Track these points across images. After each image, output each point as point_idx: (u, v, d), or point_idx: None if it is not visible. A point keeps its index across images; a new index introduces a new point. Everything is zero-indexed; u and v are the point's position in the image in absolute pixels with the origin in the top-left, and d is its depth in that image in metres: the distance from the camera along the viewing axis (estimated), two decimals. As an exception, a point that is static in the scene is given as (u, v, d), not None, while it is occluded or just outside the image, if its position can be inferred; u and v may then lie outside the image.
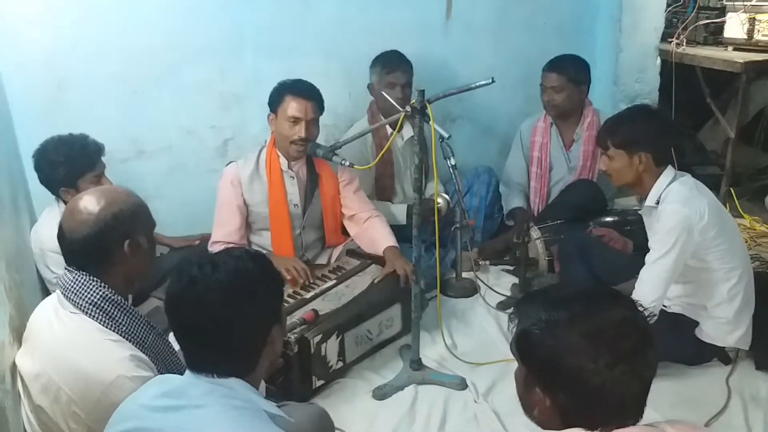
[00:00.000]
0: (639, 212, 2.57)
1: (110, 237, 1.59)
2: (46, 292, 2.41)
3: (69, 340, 1.54)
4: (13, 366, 1.66)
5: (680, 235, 2.23)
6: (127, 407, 1.33)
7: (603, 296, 1.22)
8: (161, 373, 1.53)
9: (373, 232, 2.79)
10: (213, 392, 1.26)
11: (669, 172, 2.36)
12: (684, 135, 4.18)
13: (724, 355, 2.48)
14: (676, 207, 2.27)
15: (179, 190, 3.09)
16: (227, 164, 2.80)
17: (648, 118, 2.42)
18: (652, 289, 2.26)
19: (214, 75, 3.08)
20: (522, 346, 1.20)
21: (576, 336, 1.12)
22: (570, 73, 3.15)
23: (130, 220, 1.62)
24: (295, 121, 2.57)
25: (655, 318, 2.25)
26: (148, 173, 3.05)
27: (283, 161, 2.70)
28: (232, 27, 3.05)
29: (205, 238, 2.80)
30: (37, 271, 2.45)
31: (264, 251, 2.74)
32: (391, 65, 3.04)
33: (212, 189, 2.79)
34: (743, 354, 2.49)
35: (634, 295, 2.22)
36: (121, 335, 1.55)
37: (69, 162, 2.38)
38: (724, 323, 2.38)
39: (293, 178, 2.72)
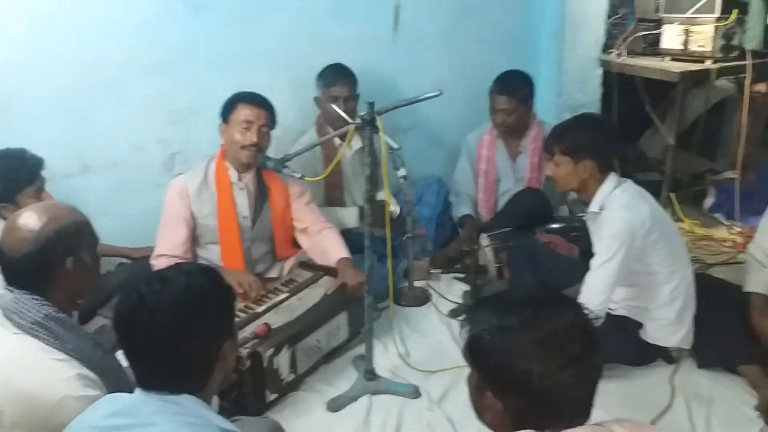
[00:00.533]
0: (583, 218, 2.64)
1: (53, 254, 1.55)
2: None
3: (11, 361, 1.50)
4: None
5: (624, 240, 2.31)
6: (76, 428, 1.31)
7: (551, 302, 1.26)
8: (110, 392, 1.50)
9: (326, 244, 2.79)
10: (164, 410, 1.25)
11: (612, 179, 2.43)
12: (626, 143, 4.31)
13: (667, 355, 2.56)
14: (620, 213, 2.34)
15: (126, 207, 3.04)
16: (174, 177, 2.77)
17: (593, 127, 2.50)
18: (597, 293, 2.32)
19: (162, 89, 3.05)
20: (473, 351, 1.22)
21: (526, 341, 1.15)
22: (520, 95, 3.24)
23: (73, 236, 1.59)
24: (248, 126, 2.57)
25: (602, 321, 2.31)
26: (94, 190, 2.98)
27: (233, 173, 2.69)
28: (179, 42, 3.02)
29: None
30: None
31: (213, 266, 2.71)
32: (333, 78, 3.08)
33: (160, 204, 2.75)
34: (685, 353, 2.57)
35: (581, 300, 2.27)
36: (67, 354, 1.51)
37: (6, 176, 2.32)
38: (666, 324, 2.46)
39: (243, 190, 2.71)
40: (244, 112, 2.59)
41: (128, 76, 2.97)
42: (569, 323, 1.18)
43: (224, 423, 1.31)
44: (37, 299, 1.54)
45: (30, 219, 1.57)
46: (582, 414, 1.18)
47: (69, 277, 1.58)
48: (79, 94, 2.90)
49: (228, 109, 2.63)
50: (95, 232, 1.69)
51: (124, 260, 2.87)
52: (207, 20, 3.05)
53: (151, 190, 3.02)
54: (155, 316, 1.26)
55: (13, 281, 1.57)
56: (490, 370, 1.20)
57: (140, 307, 1.27)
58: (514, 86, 3.24)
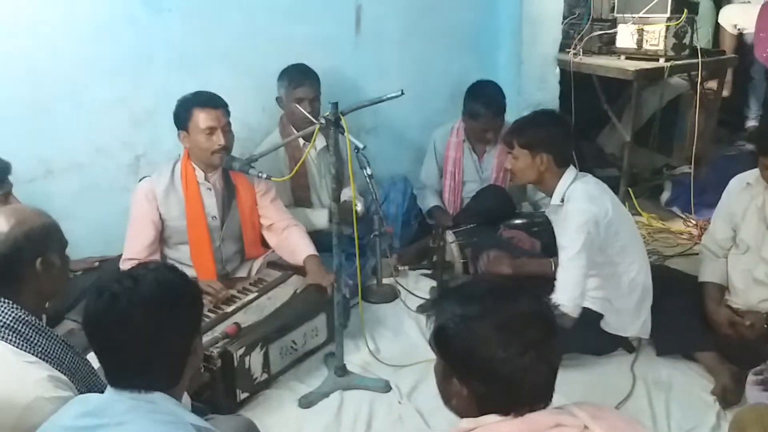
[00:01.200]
0: (546, 212, 2.71)
1: (21, 256, 1.56)
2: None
3: None
4: None
5: (589, 232, 2.37)
6: (47, 429, 1.31)
7: (511, 290, 1.31)
8: (81, 393, 1.51)
9: (293, 242, 2.81)
10: (136, 408, 1.26)
11: (571, 172, 2.50)
12: (584, 140, 4.41)
13: (627, 344, 2.64)
14: (584, 205, 2.40)
15: (91, 210, 3.01)
16: (140, 180, 2.76)
17: (550, 122, 2.57)
18: (571, 287, 2.36)
19: (124, 91, 3.02)
20: (439, 339, 1.26)
21: (488, 328, 1.20)
22: (501, 110, 3.31)
23: (42, 238, 1.59)
24: (211, 131, 2.56)
25: (579, 312, 2.37)
26: (58, 193, 2.94)
27: (200, 173, 2.69)
28: (141, 43, 3.01)
29: (105, 260, 2.78)
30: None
31: (182, 266, 2.71)
32: (298, 80, 3.09)
33: (126, 207, 2.75)
34: (645, 342, 2.65)
35: (556, 295, 2.34)
36: (37, 356, 1.51)
37: None
38: (626, 314, 2.54)
39: (210, 190, 2.71)
40: (203, 118, 2.56)
41: (89, 78, 2.94)
42: (528, 310, 1.23)
43: (197, 420, 1.33)
44: (5, 302, 1.53)
45: None
46: (543, 398, 1.23)
47: (37, 279, 1.58)
48: (39, 97, 2.86)
49: (183, 116, 2.59)
50: (63, 234, 1.69)
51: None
52: (167, 22, 3.04)
53: (117, 194, 3.00)
54: (129, 313, 1.27)
55: None
56: (455, 357, 1.24)
57: (113, 306, 1.28)
58: (497, 103, 3.29)
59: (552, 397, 1.25)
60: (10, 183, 2.40)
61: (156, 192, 2.65)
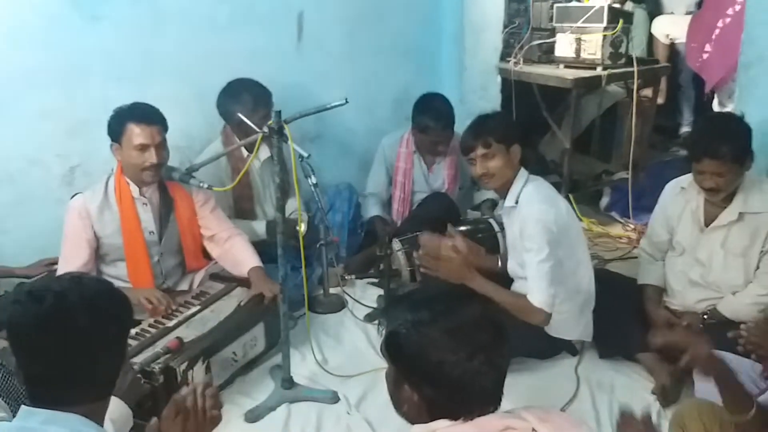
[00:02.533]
0: (499, 213, 2.72)
1: None
2: None
3: None
4: None
5: (552, 233, 2.40)
6: None
7: (460, 296, 1.34)
8: (14, 414, 1.44)
9: (236, 253, 2.76)
10: None
11: (523, 172, 2.53)
12: (525, 147, 4.47)
13: (571, 348, 2.68)
14: (544, 206, 2.43)
15: (25, 223, 2.90)
16: (72, 196, 2.66)
17: (506, 115, 2.59)
18: (546, 287, 2.40)
19: (59, 102, 2.93)
20: (390, 345, 1.28)
21: (438, 332, 1.21)
22: (452, 124, 3.32)
23: None
24: (143, 148, 2.49)
25: (550, 315, 2.42)
26: (-12, 205, 2.84)
27: (134, 188, 2.61)
28: (76, 53, 2.92)
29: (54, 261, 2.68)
30: None
31: (119, 282, 2.63)
32: (264, 100, 3.02)
33: (60, 219, 2.65)
34: (588, 345, 2.70)
35: (531, 300, 2.39)
36: None
37: None
38: (569, 317, 2.58)
39: (146, 204, 2.64)
40: (136, 134, 2.48)
41: (21, 88, 2.84)
42: (477, 315, 1.26)
43: None
44: None
45: None
46: (492, 402, 1.25)
47: None
48: (-33, 107, 2.76)
49: (117, 129, 2.52)
50: None
51: (24, 280, 2.73)
52: (103, 31, 2.97)
53: (51, 206, 2.90)
54: (75, 314, 1.22)
55: None
56: (406, 362, 1.25)
57: (59, 306, 1.22)
58: (447, 116, 3.30)
59: (501, 401, 1.27)
60: None
61: (89, 209, 2.57)
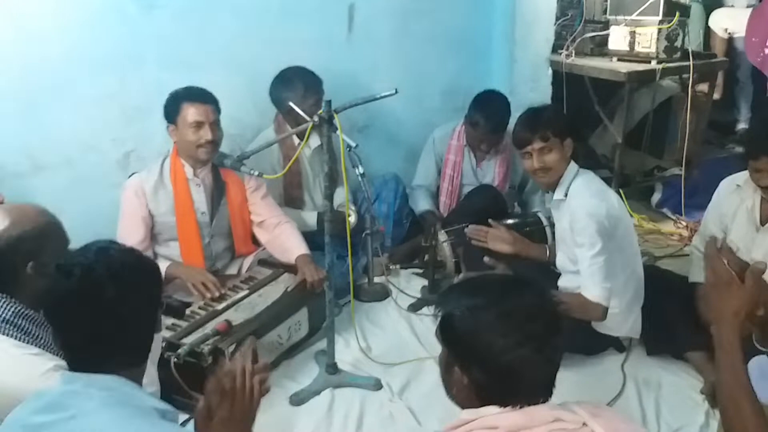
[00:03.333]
0: (548, 206, 2.69)
1: (12, 259, 1.55)
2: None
3: None
4: None
5: (604, 227, 2.37)
6: (4, 427, 1.29)
7: (517, 284, 1.34)
8: None
9: (284, 240, 2.80)
10: (90, 397, 1.24)
11: (573, 165, 2.50)
12: (575, 140, 4.42)
13: (618, 344, 2.65)
14: (595, 200, 2.40)
15: (81, 206, 2.97)
16: (129, 176, 2.75)
17: (558, 107, 2.57)
18: (601, 281, 2.38)
19: (114, 87, 3.00)
20: (444, 328, 1.30)
21: (490, 316, 1.23)
22: (504, 126, 3.27)
23: (36, 241, 1.57)
24: (198, 125, 2.56)
25: (607, 308, 2.41)
26: (47, 189, 2.91)
27: (188, 169, 2.68)
28: (132, 40, 2.98)
29: None
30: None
31: (173, 262, 2.71)
32: (315, 87, 3.05)
33: (115, 203, 2.73)
34: (635, 342, 2.66)
35: (587, 295, 2.39)
36: (40, 348, 1.52)
37: None
38: (617, 314, 2.53)
39: (199, 185, 2.70)
40: (191, 112, 2.56)
41: (79, 74, 2.92)
42: (532, 303, 1.26)
43: (158, 403, 1.32)
44: (4, 297, 1.53)
45: None
46: (542, 393, 1.25)
47: (32, 280, 1.57)
48: (27, 92, 2.83)
49: (172, 110, 2.60)
50: (65, 234, 1.68)
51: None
52: (158, 18, 3.02)
53: (106, 189, 2.97)
54: (103, 285, 1.25)
55: None
56: (457, 344, 1.27)
57: (87, 278, 1.26)
58: (499, 119, 3.26)
59: (551, 393, 1.27)
60: None
61: (145, 188, 2.65)
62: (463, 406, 1.29)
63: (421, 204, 3.50)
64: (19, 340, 1.52)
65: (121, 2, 2.94)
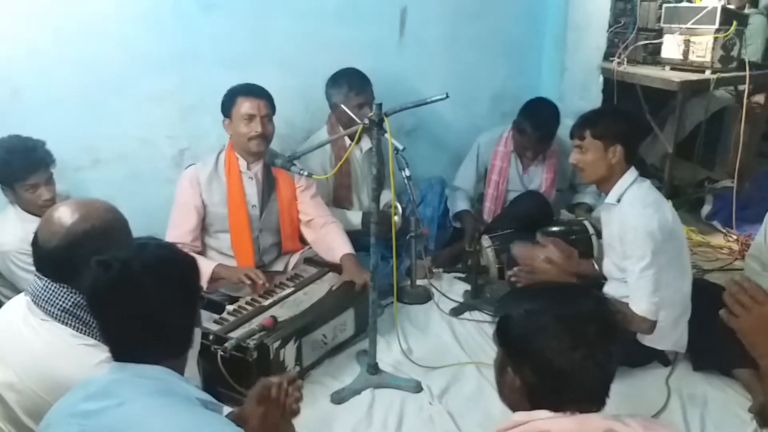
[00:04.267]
0: (599, 208, 2.68)
1: (78, 253, 1.55)
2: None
3: (44, 348, 1.54)
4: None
5: (656, 240, 2.34)
6: (53, 416, 1.32)
7: (576, 290, 1.38)
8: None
9: (330, 240, 2.85)
10: (137, 386, 1.27)
11: (632, 172, 2.46)
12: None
13: (663, 358, 2.61)
14: (648, 211, 2.37)
15: (135, 199, 3.01)
16: (186, 168, 2.84)
17: (626, 114, 2.55)
18: (649, 295, 2.36)
19: (170, 86, 3.08)
20: (500, 329, 1.32)
21: (546, 319, 1.25)
22: (552, 134, 3.29)
23: (102, 237, 1.58)
24: (250, 118, 2.66)
25: (655, 322, 2.38)
26: (103, 182, 3.01)
27: (242, 162, 2.76)
28: (189, 40, 3.06)
29: None
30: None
31: (219, 255, 2.78)
32: (360, 87, 3.09)
33: (168, 198, 2.81)
34: (681, 356, 2.62)
35: (634, 308, 2.37)
36: (96, 339, 1.55)
37: (6, 162, 2.38)
38: (664, 327, 2.49)
39: (252, 179, 2.77)
40: (244, 106, 2.66)
41: (137, 72, 2.99)
42: (588, 310, 1.28)
43: (201, 394, 1.35)
44: (65, 287, 1.57)
45: (64, 214, 1.59)
46: (595, 402, 1.26)
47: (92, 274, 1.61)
48: (89, 88, 2.92)
49: (228, 104, 2.70)
50: (129, 231, 1.70)
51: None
52: (215, 19, 3.08)
53: (160, 185, 3.06)
54: (141, 280, 1.29)
55: (41, 270, 1.61)
56: (511, 345, 1.30)
57: (125, 273, 1.30)
58: (547, 129, 3.26)
59: (605, 402, 1.27)
60: (48, 173, 2.46)
61: (200, 178, 2.74)
62: (515, 409, 1.31)
63: (459, 204, 3.51)
64: (77, 330, 1.56)
65: (180, 1, 3.01)
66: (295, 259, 2.93)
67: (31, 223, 2.12)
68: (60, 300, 1.56)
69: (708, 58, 3.63)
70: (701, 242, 3.79)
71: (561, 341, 1.21)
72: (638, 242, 2.35)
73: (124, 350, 1.33)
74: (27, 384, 1.53)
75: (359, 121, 2.36)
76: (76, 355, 1.53)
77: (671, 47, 3.80)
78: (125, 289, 1.30)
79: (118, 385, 1.28)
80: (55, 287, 1.57)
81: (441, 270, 3.37)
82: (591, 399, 1.25)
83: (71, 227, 1.57)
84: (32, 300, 1.59)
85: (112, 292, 1.31)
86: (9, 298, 1.89)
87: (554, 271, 2.55)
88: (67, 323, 1.56)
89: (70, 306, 1.56)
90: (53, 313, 1.56)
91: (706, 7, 3.62)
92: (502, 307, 1.37)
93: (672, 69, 3.82)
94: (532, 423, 1.23)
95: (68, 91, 2.88)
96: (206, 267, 2.61)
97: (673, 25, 3.79)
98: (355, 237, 2.95)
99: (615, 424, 1.21)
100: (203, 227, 2.80)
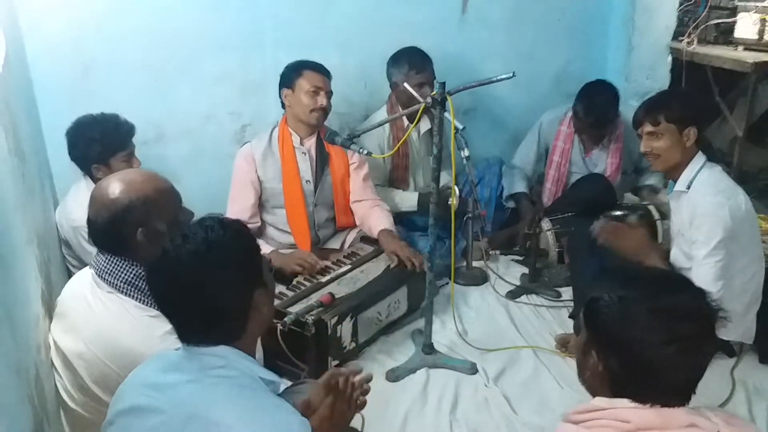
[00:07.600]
0: (668, 196, 2.59)
1: (124, 224, 1.60)
2: (68, 270, 2.48)
3: (109, 319, 1.60)
4: (47, 339, 1.72)
5: (726, 227, 2.26)
6: (126, 386, 1.36)
7: (676, 283, 1.29)
8: None
9: (373, 219, 2.87)
10: (206, 365, 1.29)
11: (700, 157, 2.39)
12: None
13: (728, 348, 2.53)
14: (719, 198, 2.29)
15: (198, 174, 3.15)
16: (242, 145, 2.88)
17: (695, 95, 2.44)
18: (710, 284, 2.25)
19: (234, 65, 3.13)
20: (590, 311, 1.27)
21: (641, 310, 1.19)
22: (610, 120, 3.21)
23: (146, 207, 1.61)
24: (316, 91, 2.69)
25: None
26: (168, 156, 3.09)
27: (296, 138, 2.80)
28: (253, 20, 3.10)
29: None
30: (60, 248, 2.51)
31: (278, 230, 2.83)
32: (420, 65, 3.07)
33: (230, 173, 2.86)
34: (747, 347, 2.54)
35: None
36: (157, 310, 1.59)
37: (103, 140, 2.41)
38: (732, 317, 2.41)
39: (305, 154, 2.81)
40: (311, 79, 2.70)
41: (202, 50, 3.06)
42: (688, 305, 1.20)
43: (267, 374, 1.36)
44: (126, 260, 1.62)
45: (110, 187, 1.63)
46: (681, 396, 1.20)
47: (143, 246, 1.61)
48: (156, 65, 2.99)
49: (292, 76, 2.73)
50: (174, 200, 1.70)
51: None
52: (278, 1, 3.11)
53: (222, 160, 3.11)
54: (177, 269, 1.29)
55: (98, 244, 1.66)
56: (599, 330, 1.24)
57: (164, 262, 1.31)
58: (602, 114, 3.18)
59: (690, 398, 1.22)
60: (134, 144, 2.52)
61: (255, 155, 2.78)
62: (594, 393, 1.27)
63: (516, 185, 3.45)
64: (140, 301, 1.60)
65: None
66: (351, 236, 2.95)
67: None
68: (122, 272, 1.61)
69: (786, 39, 3.47)
70: (771, 230, 3.64)
71: (654, 335, 1.16)
72: (705, 228, 2.28)
73: (184, 332, 1.34)
74: (95, 353, 1.59)
75: (421, 100, 2.34)
76: (141, 326, 1.58)
77: (746, 26, 3.64)
78: (164, 275, 1.31)
79: (188, 361, 1.32)
80: (117, 260, 1.62)
81: (498, 252, 3.34)
82: (677, 393, 1.20)
83: (117, 200, 1.61)
84: (96, 273, 1.64)
85: (155, 275, 1.33)
86: (78, 269, 1.96)
87: (638, 234, 2.45)
88: (130, 295, 1.61)
89: (132, 278, 1.61)
90: (117, 285, 1.61)
91: (785, -16, 3.46)
92: (593, 287, 1.29)
93: (746, 49, 3.65)
94: (612, 410, 1.20)
95: (136, 67, 2.95)
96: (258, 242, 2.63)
97: (748, 3, 3.63)
98: (411, 218, 2.95)
99: (698, 419, 1.17)
100: (260, 203, 2.84)
